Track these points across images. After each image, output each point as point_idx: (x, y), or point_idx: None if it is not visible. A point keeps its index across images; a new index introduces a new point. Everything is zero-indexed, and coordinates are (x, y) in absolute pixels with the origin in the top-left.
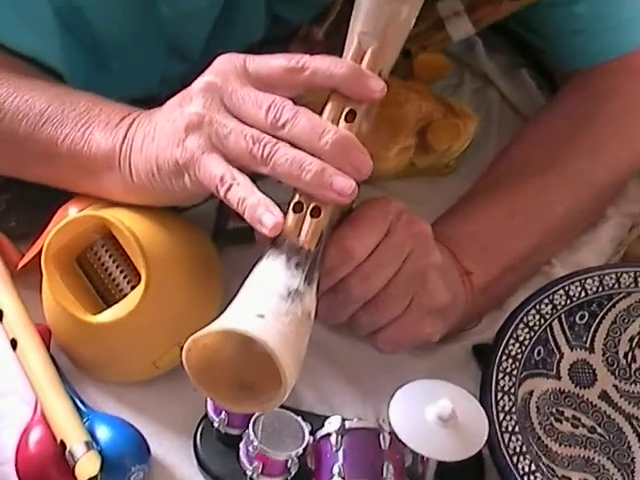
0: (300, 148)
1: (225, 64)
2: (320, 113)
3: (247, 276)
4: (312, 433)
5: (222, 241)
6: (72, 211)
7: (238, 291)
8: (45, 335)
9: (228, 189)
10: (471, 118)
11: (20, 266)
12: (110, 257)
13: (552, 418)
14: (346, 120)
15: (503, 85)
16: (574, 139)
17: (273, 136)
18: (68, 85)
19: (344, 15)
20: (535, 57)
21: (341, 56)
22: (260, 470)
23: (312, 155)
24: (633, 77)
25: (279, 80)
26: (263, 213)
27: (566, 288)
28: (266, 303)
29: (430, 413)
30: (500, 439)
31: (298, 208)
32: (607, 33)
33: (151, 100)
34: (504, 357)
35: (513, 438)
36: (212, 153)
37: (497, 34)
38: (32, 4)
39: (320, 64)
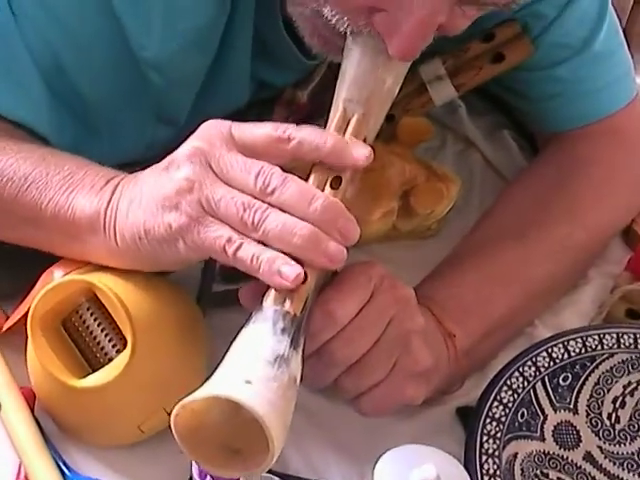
0: (289, 214)
1: (211, 130)
2: (306, 179)
3: (233, 340)
4: None
5: (207, 304)
6: (57, 274)
7: (224, 356)
8: (29, 398)
9: (238, 248)
10: (453, 181)
11: (5, 328)
12: (95, 320)
13: None
14: (331, 186)
15: (485, 147)
16: (555, 202)
17: (262, 202)
18: (54, 147)
19: (328, 78)
20: (516, 118)
21: (326, 121)
22: None
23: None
24: (613, 139)
25: (264, 149)
26: (282, 265)
27: (549, 350)
28: (253, 369)
29: (415, 478)
30: None
31: None
32: (587, 96)
33: (135, 164)
34: (488, 420)
35: None
36: (208, 217)
37: (479, 96)
38: (19, 70)
39: (306, 136)
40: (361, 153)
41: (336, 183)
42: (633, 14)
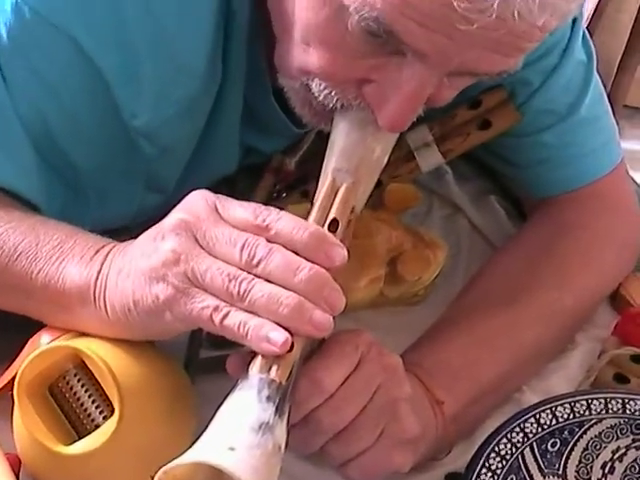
0: (276, 284)
1: (197, 201)
2: None
3: (219, 407)
4: None
5: (194, 370)
6: (45, 339)
7: (210, 422)
8: (15, 464)
9: (225, 316)
10: (440, 247)
11: None
12: (82, 387)
13: None
14: None
15: (472, 213)
16: (542, 268)
17: (248, 273)
18: (43, 213)
19: (316, 146)
20: (503, 183)
21: (315, 189)
22: None
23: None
24: (599, 204)
25: (246, 229)
26: (270, 331)
27: (537, 416)
28: (237, 436)
29: None
30: None
31: None
32: (574, 161)
33: (123, 230)
34: None
35: None
36: (194, 288)
37: (465, 161)
38: (9, 137)
39: (284, 226)
40: (336, 254)
41: None
42: (617, 80)
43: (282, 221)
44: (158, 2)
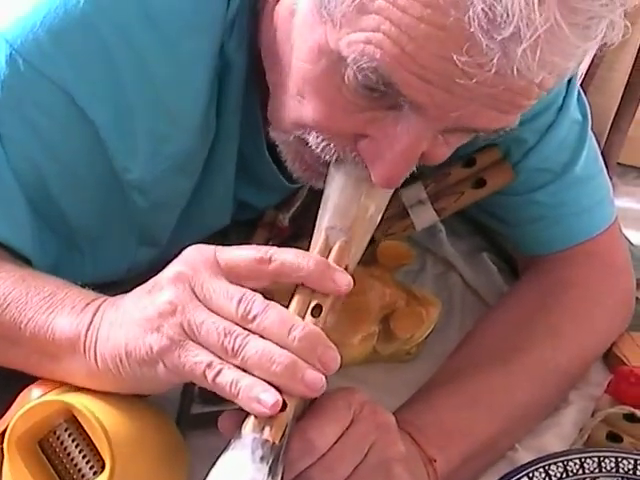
0: (270, 341)
1: (195, 255)
2: (287, 306)
3: (212, 466)
4: None
5: (186, 426)
6: (35, 393)
7: None
8: None
9: (218, 373)
10: (433, 304)
11: None
12: (74, 442)
13: None
14: (312, 314)
15: (464, 270)
16: (536, 327)
17: (243, 328)
18: (36, 267)
19: (310, 201)
20: (496, 241)
21: (308, 247)
22: None
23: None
24: (593, 263)
25: (248, 271)
26: (261, 392)
27: (530, 475)
28: None
29: None
30: None
31: None
32: (566, 220)
33: (116, 284)
34: None
35: None
36: (189, 341)
37: (458, 219)
38: (3, 192)
39: (287, 257)
40: (341, 279)
41: (317, 311)
42: (610, 138)
43: (286, 253)
44: (152, 57)
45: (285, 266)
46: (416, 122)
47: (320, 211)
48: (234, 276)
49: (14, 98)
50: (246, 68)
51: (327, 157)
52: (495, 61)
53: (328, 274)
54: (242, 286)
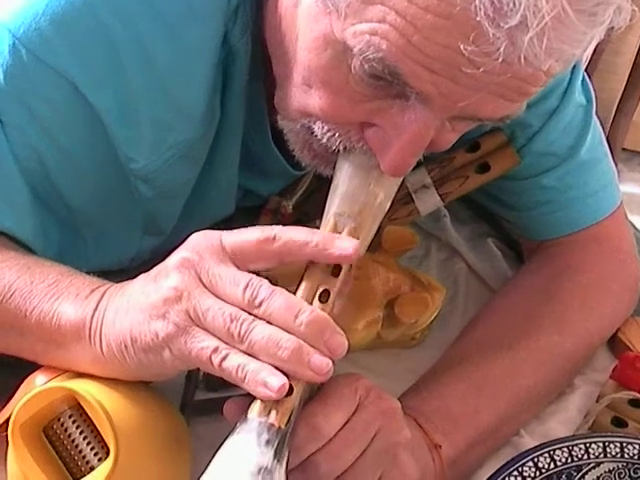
0: (276, 326)
1: (201, 241)
2: (294, 292)
3: (217, 450)
4: None
5: (190, 412)
6: (40, 380)
7: (208, 465)
8: None
9: (224, 358)
10: (438, 290)
11: None
12: (78, 428)
13: None
14: (320, 300)
15: (469, 256)
16: (541, 311)
17: (249, 314)
18: (39, 255)
19: (313, 188)
20: (501, 226)
21: None
22: None
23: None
24: (599, 247)
25: (254, 252)
26: (267, 376)
27: (535, 460)
28: None
29: None
30: None
31: None
32: (574, 204)
33: (119, 272)
34: None
35: None
36: (195, 327)
37: (463, 204)
38: (4, 178)
39: (293, 234)
40: (348, 244)
41: (325, 297)
42: (615, 123)
43: (290, 230)
44: (156, 46)
45: (290, 243)
46: (423, 111)
47: (329, 198)
48: (240, 259)
49: (17, 87)
50: (250, 56)
51: (333, 147)
52: (502, 50)
53: (334, 242)
54: (249, 270)
